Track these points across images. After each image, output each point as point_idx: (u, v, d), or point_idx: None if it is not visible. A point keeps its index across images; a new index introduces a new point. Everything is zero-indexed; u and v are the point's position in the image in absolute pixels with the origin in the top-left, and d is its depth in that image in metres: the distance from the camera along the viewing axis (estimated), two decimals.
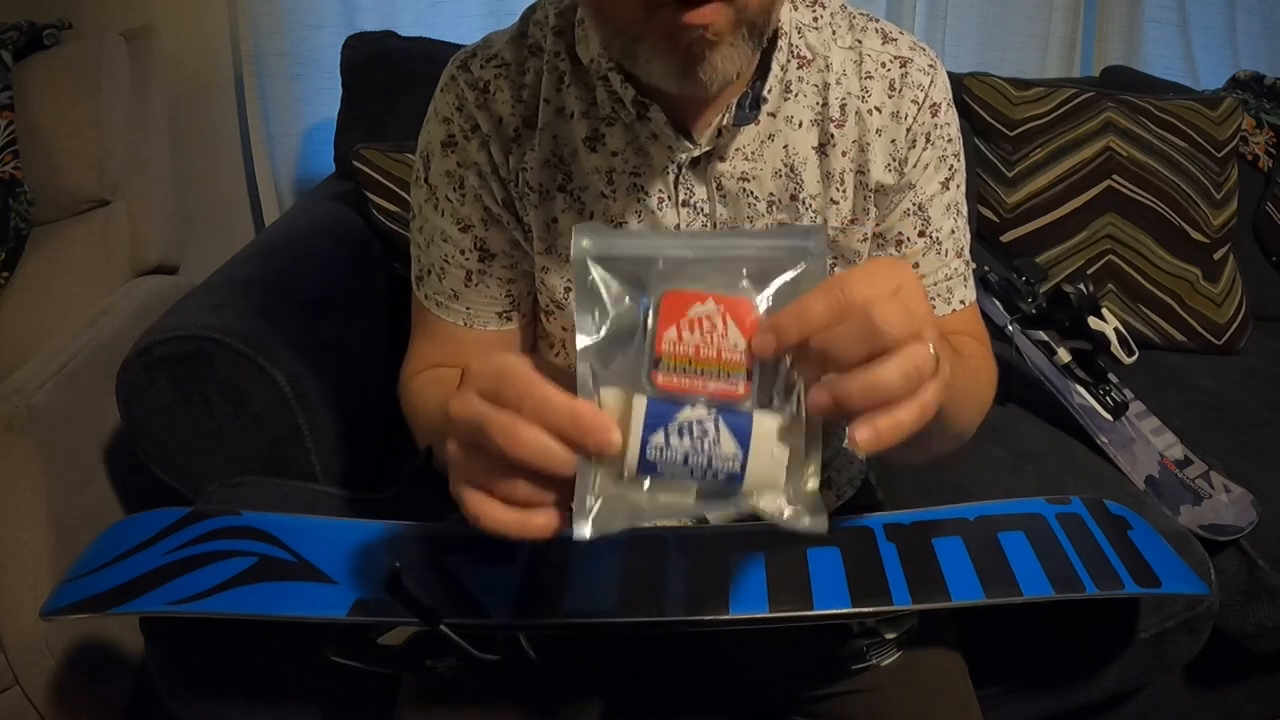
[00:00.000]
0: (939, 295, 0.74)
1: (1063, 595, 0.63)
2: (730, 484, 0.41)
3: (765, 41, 0.59)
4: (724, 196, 0.68)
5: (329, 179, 1.49)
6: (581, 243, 0.41)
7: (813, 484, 0.42)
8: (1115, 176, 1.47)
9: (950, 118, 0.71)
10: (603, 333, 0.41)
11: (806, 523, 0.42)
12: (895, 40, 0.70)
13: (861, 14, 0.71)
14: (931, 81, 0.69)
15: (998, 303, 1.16)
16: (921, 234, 0.72)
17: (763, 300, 0.41)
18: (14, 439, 0.96)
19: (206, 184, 1.66)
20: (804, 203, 0.69)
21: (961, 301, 0.74)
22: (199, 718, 0.82)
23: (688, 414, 0.40)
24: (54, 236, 1.33)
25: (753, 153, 0.68)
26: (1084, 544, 0.68)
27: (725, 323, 0.40)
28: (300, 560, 0.65)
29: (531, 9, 0.72)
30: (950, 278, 0.73)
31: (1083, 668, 0.88)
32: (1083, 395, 1.11)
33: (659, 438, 0.40)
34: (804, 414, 0.41)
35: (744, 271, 0.42)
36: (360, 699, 0.81)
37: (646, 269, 0.41)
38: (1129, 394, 1.15)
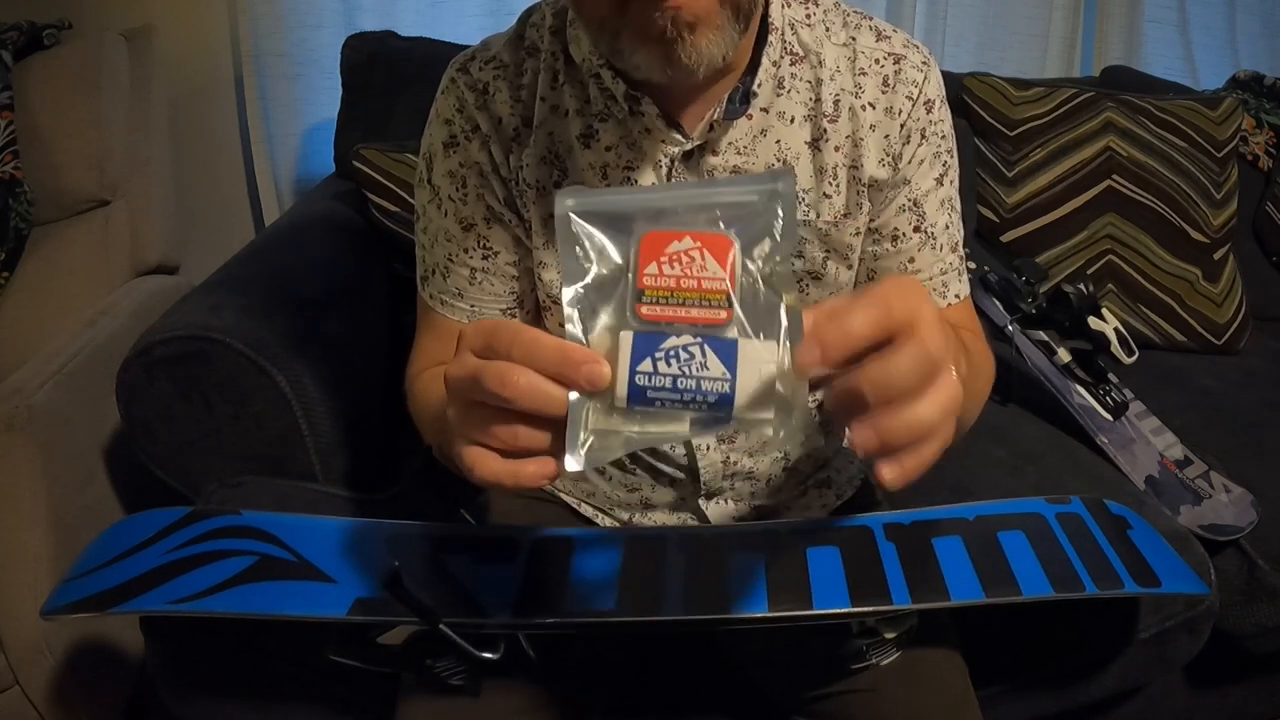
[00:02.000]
0: (934, 290, 0.74)
1: (1063, 595, 0.63)
2: (721, 406, 0.41)
3: (750, 22, 0.59)
4: None
5: (329, 179, 1.49)
6: (565, 201, 0.43)
7: (808, 406, 0.42)
8: (1115, 176, 1.47)
9: (944, 115, 0.72)
10: (588, 279, 0.43)
11: (802, 437, 0.42)
12: (889, 38, 0.70)
13: (855, 12, 0.71)
14: (925, 78, 0.70)
15: (998, 303, 1.16)
16: (917, 229, 0.73)
17: (736, 237, 0.43)
18: (14, 439, 0.96)
19: (206, 184, 1.66)
20: (797, 197, 0.69)
21: (956, 295, 0.75)
22: (199, 718, 0.82)
23: (673, 341, 0.41)
24: (54, 236, 1.33)
25: (745, 147, 0.68)
26: (1084, 544, 0.68)
27: (704, 256, 0.41)
28: (300, 560, 0.65)
29: (529, 11, 0.72)
30: (945, 272, 0.75)
31: (1083, 668, 0.88)
32: (1083, 395, 1.11)
33: (646, 365, 0.41)
34: (789, 356, 0.42)
35: (719, 215, 0.43)
36: (360, 699, 0.81)
37: (628, 220, 0.43)
38: (1129, 394, 1.15)
